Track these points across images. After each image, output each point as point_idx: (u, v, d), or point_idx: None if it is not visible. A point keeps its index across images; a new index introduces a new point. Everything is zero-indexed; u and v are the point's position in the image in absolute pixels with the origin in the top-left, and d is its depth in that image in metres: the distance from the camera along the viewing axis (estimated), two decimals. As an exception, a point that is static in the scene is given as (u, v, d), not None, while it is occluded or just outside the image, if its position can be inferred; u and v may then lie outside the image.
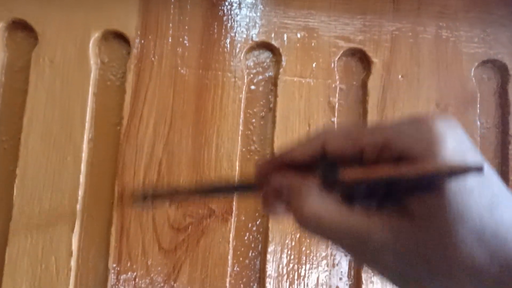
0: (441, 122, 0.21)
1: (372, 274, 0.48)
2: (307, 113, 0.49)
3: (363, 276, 0.47)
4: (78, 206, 0.46)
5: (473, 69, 0.51)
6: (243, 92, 0.49)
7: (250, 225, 0.49)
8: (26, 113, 0.47)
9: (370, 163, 0.23)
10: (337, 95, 0.50)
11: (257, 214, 0.49)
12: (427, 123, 0.21)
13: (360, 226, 0.22)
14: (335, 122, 0.49)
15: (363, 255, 0.22)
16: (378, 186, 0.23)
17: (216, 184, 0.34)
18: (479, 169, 0.20)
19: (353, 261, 0.22)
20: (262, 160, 0.30)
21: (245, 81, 0.49)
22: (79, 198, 0.46)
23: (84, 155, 0.47)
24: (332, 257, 0.49)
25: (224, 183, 0.34)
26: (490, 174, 0.21)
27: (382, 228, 0.21)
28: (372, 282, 0.48)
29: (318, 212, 0.23)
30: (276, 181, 0.27)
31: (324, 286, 0.47)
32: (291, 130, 0.49)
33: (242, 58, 0.49)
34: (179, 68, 0.48)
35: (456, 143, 0.21)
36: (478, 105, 0.51)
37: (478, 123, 0.51)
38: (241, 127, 0.49)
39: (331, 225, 0.23)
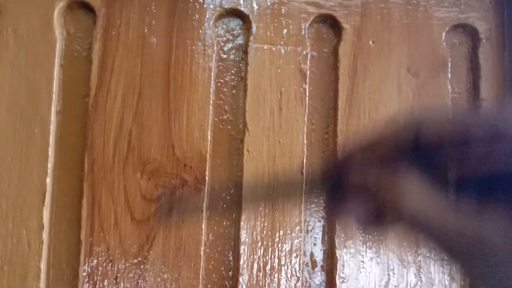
0: None
1: (346, 238, 0.48)
2: (278, 81, 0.49)
3: (337, 241, 0.48)
4: (48, 179, 0.46)
5: (444, 34, 0.51)
6: (213, 61, 0.49)
7: (223, 194, 0.49)
8: (-10, 86, 0.46)
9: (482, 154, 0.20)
10: (308, 62, 0.50)
11: (230, 183, 0.49)
12: None
13: (471, 223, 0.19)
14: (307, 89, 0.49)
15: (472, 260, 0.19)
16: (497, 180, 0.20)
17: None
18: None
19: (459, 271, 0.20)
20: (334, 155, 0.26)
21: (215, 49, 0.49)
22: (49, 171, 0.46)
23: (52, 128, 0.46)
24: (306, 223, 0.49)
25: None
26: None
27: (495, 229, 0.18)
28: (346, 246, 0.48)
29: (421, 206, 0.20)
30: (362, 176, 0.23)
31: (298, 252, 0.47)
32: (263, 99, 0.49)
33: (211, 25, 0.49)
34: (147, 37, 0.48)
35: None
36: (449, 70, 0.51)
37: (449, 87, 0.51)
38: (212, 97, 0.48)
39: (440, 222, 0.20)
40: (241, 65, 0.50)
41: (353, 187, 0.24)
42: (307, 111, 0.49)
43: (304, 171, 0.48)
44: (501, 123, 0.19)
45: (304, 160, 0.48)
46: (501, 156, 0.19)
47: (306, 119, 0.49)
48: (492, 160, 0.19)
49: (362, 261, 0.48)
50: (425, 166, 0.21)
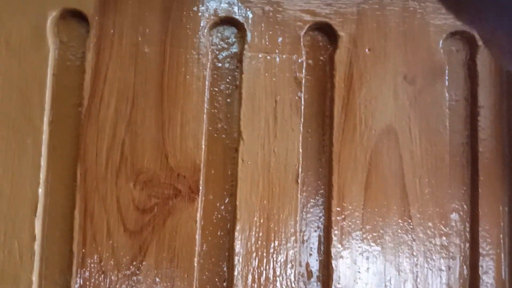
0: None
1: (342, 249, 0.47)
2: (273, 89, 0.49)
3: (333, 251, 0.47)
4: (40, 190, 0.45)
5: (441, 41, 0.51)
6: (208, 69, 0.48)
7: (218, 204, 0.48)
8: (-18, 96, 0.46)
9: None
10: (303, 70, 0.49)
11: (225, 193, 0.48)
12: None
13: None
14: (302, 98, 0.49)
15: None
16: None
17: None
18: None
19: None
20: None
21: (210, 58, 0.48)
22: (41, 181, 0.45)
23: (45, 137, 0.46)
24: (301, 234, 0.48)
25: None
26: None
27: None
28: (341, 257, 0.47)
29: None
30: None
31: (294, 263, 0.47)
32: (258, 107, 0.48)
33: (205, 34, 0.48)
34: (140, 46, 0.47)
35: None
36: (447, 77, 0.51)
37: (447, 95, 0.50)
38: (206, 105, 0.48)
39: None
40: (236, 73, 0.49)
41: None
42: (302, 119, 0.48)
43: (299, 180, 0.48)
44: None
45: (300, 169, 0.48)
46: None
47: (301, 128, 0.48)
48: None
49: (359, 272, 0.47)
50: None
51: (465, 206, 0.50)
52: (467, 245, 0.50)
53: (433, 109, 0.50)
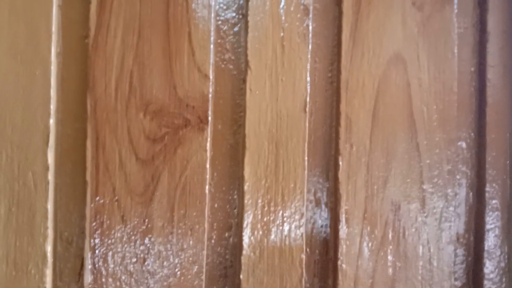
0: None
1: (349, 175, 0.48)
2: (280, 17, 0.48)
3: (340, 177, 0.48)
4: (51, 120, 0.46)
5: (450, -34, 0.50)
6: (213, -1, 0.48)
7: (227, 133, 0.49)
8: (-12, 28, 0.45)
9: None
10: (310, -2, 0.49)
11: (234, 122, 0.49)
12: None
13: None
14: (310, 26, 0.48)
15: None
16: None
17: None
18: None
19: None
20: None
21: (215, -14, 0.48)
22: (51, 112, 0.46)
23: (53, 69, 0.46)
24: (309, 161, 0.49)
25: None
26: None
27: None
28: (349, 183, 0.48)
29: None
30: None
31: (302, 189, 0.48)
32: (265, 36, 0.48)
33: (210, -38, 0.47)
34: (144, -26, 0.47)
35: None
36: (456, 3, 0.50)
37: (456, 21, 0.50)
38: (212, 35, 0.48)
39: None
40: (241, 1, 0.49)
41: None
42: (310, 48, 0.48)
43: (307, 109, 0.48)
44: None
45: (308, 99, 0.48)
46: None
47: (309, 57, 0.48)
48: None
49: (366, 197, 0.48)
50: None
51: (472, 134, 0.51)
52: (474, 172, 0.51)
53: (441, 36, 0.49)
